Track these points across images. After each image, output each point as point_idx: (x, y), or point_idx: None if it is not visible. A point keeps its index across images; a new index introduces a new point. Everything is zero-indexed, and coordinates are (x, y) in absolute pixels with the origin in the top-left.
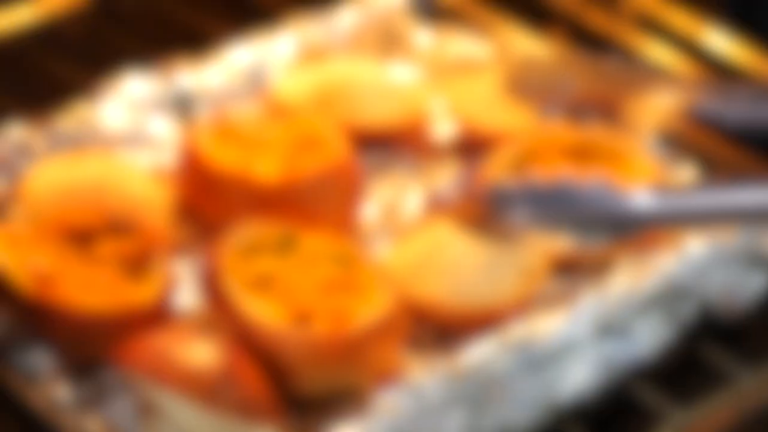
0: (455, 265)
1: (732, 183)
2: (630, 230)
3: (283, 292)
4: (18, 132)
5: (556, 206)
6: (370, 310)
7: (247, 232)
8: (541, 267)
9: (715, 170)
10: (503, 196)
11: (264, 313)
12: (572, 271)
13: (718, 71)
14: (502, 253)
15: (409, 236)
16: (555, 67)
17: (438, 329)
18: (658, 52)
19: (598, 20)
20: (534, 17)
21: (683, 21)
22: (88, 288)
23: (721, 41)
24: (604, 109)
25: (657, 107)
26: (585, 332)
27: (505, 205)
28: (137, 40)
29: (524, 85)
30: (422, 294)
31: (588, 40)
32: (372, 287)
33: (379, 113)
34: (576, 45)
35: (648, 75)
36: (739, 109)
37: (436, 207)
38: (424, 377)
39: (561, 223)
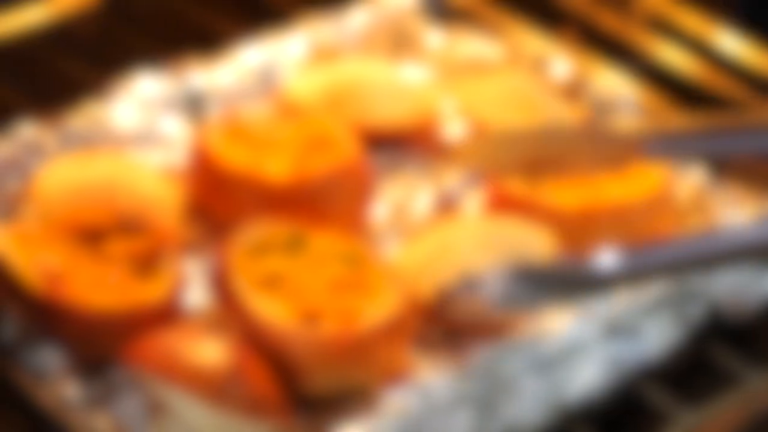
0: (464, 265)
1: (693, 235)
2: (597, 293)
3: (292, 291)
4: (29, 131)
5: (524, 282)
6: (378, 309)
7: (256, 232)
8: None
9: (723, 173)
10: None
11: (273, 312)
12: None
13: (729, 72)
14: (511, 253)
15: (419, 236)
16: (503, 138)
17: (446, 329)
18: (670, 54)
19: (609, 21)
20: (545, 18)
21: (694, 22)
22: (98, 287)
23: (733, 42)
24: (555, 170)
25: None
26: (593, 332)
27: (472, 290)
28: (148, 40)
29: (476, 158)
30: (431, 293)
31: (599, 41)
32: (381, 287)
33: (389, 113)
34: (587, 46)
35: (593, 132)
36: (686, 148)
37: (446, 207)
38: (432, 377)
39: (530, 299)
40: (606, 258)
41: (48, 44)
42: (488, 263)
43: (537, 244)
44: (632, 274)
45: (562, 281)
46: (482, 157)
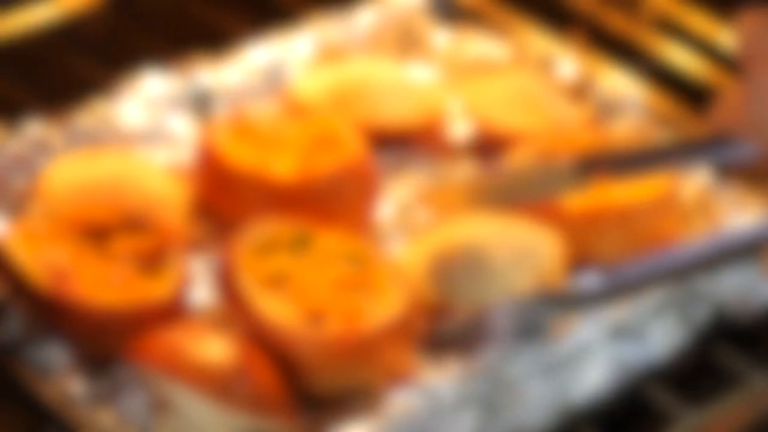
0: (471, 264)
1: (670, 250)
2: (578, 310)
3: (297, 290)
4: (36, 129)
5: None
6: (383, 309)
7: (261, 230)
8: (556, 268)
9: (728, 174)
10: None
11: (277, 311)
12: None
13: (736, 73)
14: (518, 254)
15: (424, 235)
16: (474, 185)
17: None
18: (677, 54)
19: (616, 22)
20: (552, 18)
21: (702, 23)
22: (104, 284)
23: None
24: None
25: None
26: (599, 334)
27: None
28: (156, 39)
29: (447, 203)
30: (437, 294)
31: (606, 42)
32: (386, 287)
33: (396, 113)
34: (594, 47)
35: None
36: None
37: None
38: (436, 377)
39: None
40: (588, 279)
41: (56, 42)
42: (496, 264)
43: (543, 243)
44: (611, 293)
45: (554, 306)
46: (454, 202)
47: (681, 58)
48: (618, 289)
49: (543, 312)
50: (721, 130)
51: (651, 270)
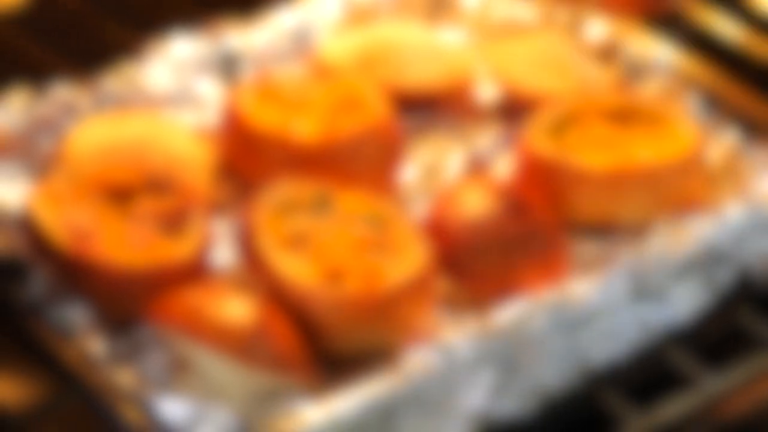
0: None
1: None
2: None
3: (317, 250)
4: (64, 91)
5: None
6: (402, 269)
7: (282, 191)
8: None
9: (756, 135)
10: None
11: (297, 270)
12: (609, 233)
13: None
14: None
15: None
16: None
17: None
18: (716, 20)
19: None
20: None
21: None
22: (126, 245)
23: None
24: None
25: None
26: (621, 295)
27: None
28: (184, 2)
29: None
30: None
31: (648, 13)
32: (406, 247)
33: (423, 75)
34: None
35: None
36: None
37: (477, 169)
38: (455, 336)
39: None
40: None
41: (84, 4)
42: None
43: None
44: None
45: None
46: None
47: (720, 23)
48: None
49: None
50: None
51: None
